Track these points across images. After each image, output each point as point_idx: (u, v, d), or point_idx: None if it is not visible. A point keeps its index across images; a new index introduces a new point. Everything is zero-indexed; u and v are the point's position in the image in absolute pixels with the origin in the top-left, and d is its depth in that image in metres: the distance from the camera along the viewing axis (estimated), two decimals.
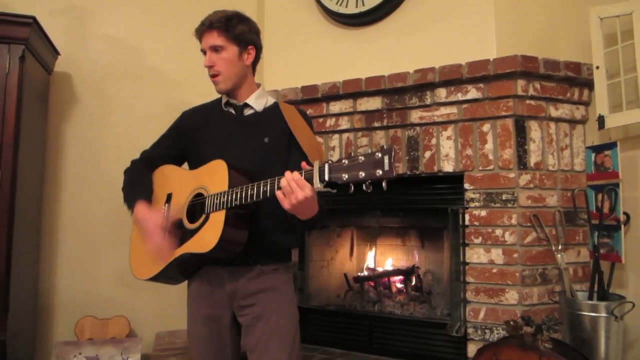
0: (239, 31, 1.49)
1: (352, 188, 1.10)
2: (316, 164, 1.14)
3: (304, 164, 1.20)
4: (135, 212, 1.48)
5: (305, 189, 1.16)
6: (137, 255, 1.57)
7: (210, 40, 1.48)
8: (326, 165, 1.12)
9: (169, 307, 2.57)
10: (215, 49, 1.48)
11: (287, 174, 1.17)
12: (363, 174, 1.07)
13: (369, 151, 1.08)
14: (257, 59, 1.58)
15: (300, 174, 1.17)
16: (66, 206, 2.48)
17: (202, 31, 1.49)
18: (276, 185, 1.21)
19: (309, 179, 1.16)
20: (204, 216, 1.38)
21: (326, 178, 1.12)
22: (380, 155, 1.06)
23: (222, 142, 1.50)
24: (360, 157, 1.08)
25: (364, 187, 1.09)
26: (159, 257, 1.42)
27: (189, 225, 1.42)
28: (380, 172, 1.05)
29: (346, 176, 1.09)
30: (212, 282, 1.48)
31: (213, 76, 1.50)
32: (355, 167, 1.08)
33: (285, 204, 1.19)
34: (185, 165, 1.65)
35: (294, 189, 1.16)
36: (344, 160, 1.10)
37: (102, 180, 2.51)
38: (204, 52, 1.51)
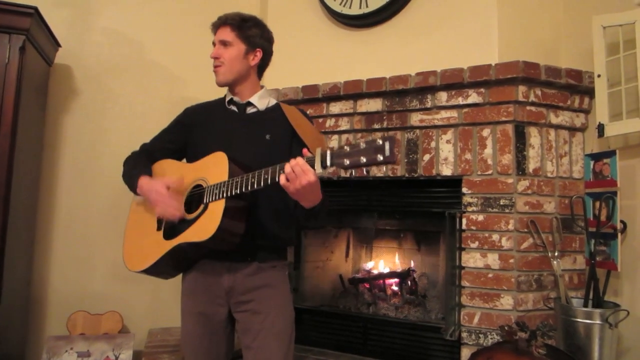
0: (250, 33, 1.56)
1: (353, 173, 1.12)
2: (318, 150, 1.17)
3: (305, 150, 1.22)
4: (139, 185, 1.50)
5: (309, 174, 1.18)
6: (131, 247, 1.57)
7: (221, 34, 1.55)
8: (328, 152, 1.15)
9: (163, 304, 2.56)
10: (224, 43, 1.54)
11: (292, 160, 1.20)
12: (364, 159, 1.09)
13: (370, 139, 1.10)
14: (264, 63, 1.64)
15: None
16: (62, 200, 2.46)
17: (217, 25, 1.58)
18: (277, 172, 1.22)
19: (312, 165, 1.18)
20: (202, 206, 1.38)
21: (328, 163, 1.14)
22: (381, 142, 1.08)
23: (224, 138, 1.52)
24: (361, 144, 1.11)
25: (365, 173, 1.11)
26: (171, 216, 1.41)
27: (187, 216, 1.42)
28: (382, 157, 1.07)
29: (348, 162, 1.11)
30: (209, 277, 1.48)
31: (215, 67, 1.56)
32: (357, 152, 1.10)
33: (290, 189, 1.21)
34: (184, 160, 1.66)
35: (298, 174, 1.18)
36: (345, 147, 1.13)
37: (99, 174, 2.49)
38: (213, 45, 1.58)
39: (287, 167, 1.20)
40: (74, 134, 2.50)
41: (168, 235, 1.45)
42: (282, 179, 1.20)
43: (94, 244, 2.49)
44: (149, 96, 2.64)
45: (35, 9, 2.00)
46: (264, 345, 1.42)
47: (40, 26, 2.11)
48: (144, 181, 1.49)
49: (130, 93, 2.61)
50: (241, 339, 1.48)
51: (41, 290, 2.40)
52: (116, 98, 2.59)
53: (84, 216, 2.48)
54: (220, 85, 1.58)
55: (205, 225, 1.34)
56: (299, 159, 1.19)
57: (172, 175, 1.50)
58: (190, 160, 1.60)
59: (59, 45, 2.38)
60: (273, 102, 1.63)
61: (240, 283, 1.46)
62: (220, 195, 1.34)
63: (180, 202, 1.44)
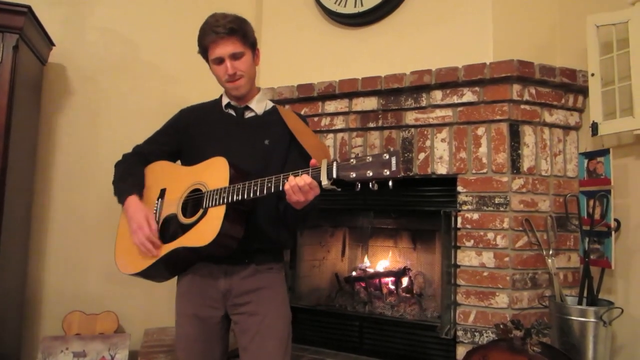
0: (250, 35, 1.49)
1: (359, 186, 1.13)
2: (324, 162, 1.18)
3: (313, 161, 1.23)
4: (125, 205, 1.47)
5: (315, 190, 1.22)
6: (123, 249, 1.55)
7: (230, 48, 1.44)
8: (334, 164, 1.17)
9: (159, 304, 2.55)
10: (236, 55, 1.45)
11: (298, 177, 1.21)
12: (371, 173, 1.11)
13: (376, 152, 1.12)
14: None
15: (308, 171, 1.21)
16: (57, 199, 2.45)
17: (218, 39, 1.43)
18: (282, 182, 1.23)
19: (317, 176, 1.19)
20: (201, 211, 1.37)
21: (334, 175, 1.16)
22: (387, 156, 1.10)
23: (222, 142, 1.50)
24: (368, 157, 1.13)
25: (370, 186, 1.13)
26: (144, 252, 1.42)
27: (185, 220, 1.41)
28: (388, 172, 1.10)
29: (354, 174, 1.13)
30: (205, 279, 1.47)
31: (235, 81, 1.47)
32: (363, 166, 1.12)
33: (292, 199, 1.24)
34: (178, 163, 1.64)
35: (304, 191, 1.21)
36: (351, 160, 1.15)
37: (94, 174, 2.49)
38: (219, 60, 1.46)
39: (292, 180, 1.21)
40: (68, 133, 2.49)
41: (164, 239, 1.44)
42: (287, 186, 1.22)
43: (89, 243, 2.48)
44: (143, 96, 2.63)
45: (29, 7, 1.98)
46: (261, 347, 1.42)
47: (34, 25, 2.10)
48: (131, 204, 1.46)
49: (124, 93, 2.60)
50: (238, 339, 1.48)
51: (36, 291, 2.39)
52: (110, 98, 2.58)
53: (79, 216, 2.47)
54: (241, 97, 1.52)
55: (205, 231, 1.33)
56: (305, 177, 1.20)
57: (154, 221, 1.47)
58: (185, 163, 1.58)
59: (52, 44, 2.37)
60: (270, 105, 1.61)
61: (237, 286, 1.45)
62: (221, 201, 1.33)
63: (157, 245, 1.42)
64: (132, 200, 1.47)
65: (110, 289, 2.48)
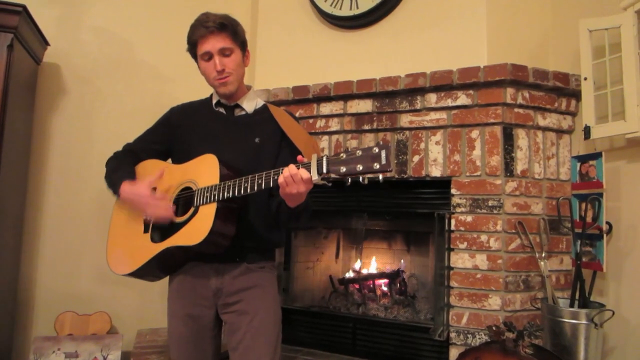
0: (240, 34, 1.49)
1: (349, 181, 1.12)
2: (314, 157, 1.17)
3: (300, 157, 1.22)
4: (121, 192, 1.46)
5: (308, 184, 1.19)
6: (115, 249, 1.55)
7: (220, 43, 1.44)
8: (324, 158, 1.15)
9: (152, 305, 2.54)
10: (225, 52, 1.45)
11: (291, 166, 1.20)
12: (361, 167, 1.10)
13: (366, 146, 1.11)
14: None
15: (297, 167, 1.20)
16: (50, 199, 2.44)
17: (208, 34, 1.44)
18: (272, 178, 1.23)
19: (307, 172, 1.18)
20: (192, 209, 1.37)
21: (324, 170, 1.15)
22: (377, 150, 1.09)
23: (212, 141, 1.50)
24: (357, 151, 1.11)
25: (360, 180, 1.12)
26: (162, 216, 1.40)
27: (176, 219, 1.41)
28: (378, 165, 1.08)
29: (344, 169, 1.12)
30: (196, 279, 1.47)
31: (224, 78, 1.47)
32: (353, 160, 1.11)
33: (286, 190, 1.22)
34: (169, 161, 1.64)
35: (297, 182, 1.19)
36: (341, 154, 1.13)
37: (88, 174, 2.48)
38: (207, 55, 1.47)
39: (286, 171, 1.20)
40: (62, 133, 2.48)
41: (156, 238, 1.44)
42: (280, 179, 1.21)
43: (82, 243, 2.47)
44: (138, 96, 2.63)
45: (24, 7, 1.99)
46: (251, 346, 1.42)
47: (28, 24, 2.10)
48: (126, 187, 1.45)
49: (119, 92, 2.60)
50: (228, 339, 1.47)
51: (29, 291, 2.38)
52: (105, 97, 2.57)
53: (72, 216, 2.46)
54: (228, 95, 1.52)
55: (197, 229, 1.33)
56: (291, 167, 1.19)
57: (152, 174, 1.46)
58: (176, 161, 1.58)
59: (47, 43, 2.37)
60: (260, 103, 1.60)
61: (228, 284, 1.45)
62: (212, 199, 1.32)
63: (169, 200, 1.42)
64: (127, 183, 1.46)
65: (103, 289, 2.47)
